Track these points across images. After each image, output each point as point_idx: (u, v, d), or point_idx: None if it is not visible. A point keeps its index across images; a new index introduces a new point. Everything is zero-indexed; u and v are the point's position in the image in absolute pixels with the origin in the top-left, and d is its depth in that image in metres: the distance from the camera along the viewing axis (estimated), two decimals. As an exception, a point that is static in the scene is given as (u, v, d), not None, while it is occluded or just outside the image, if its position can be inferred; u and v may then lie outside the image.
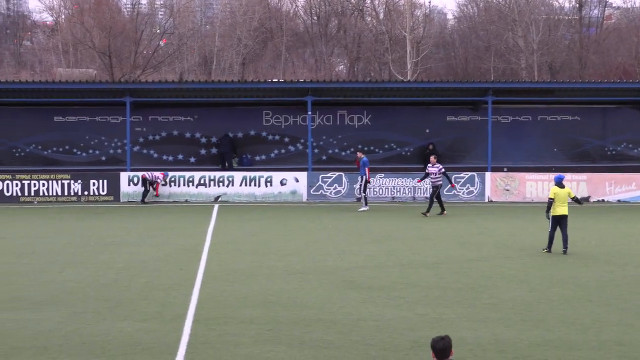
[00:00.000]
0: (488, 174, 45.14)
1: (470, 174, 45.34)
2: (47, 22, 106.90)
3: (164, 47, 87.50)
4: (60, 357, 16.30)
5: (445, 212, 38.61)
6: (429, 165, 39.86)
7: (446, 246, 30.04)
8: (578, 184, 45.01)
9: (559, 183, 28.81)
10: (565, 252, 28.35)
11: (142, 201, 43.49)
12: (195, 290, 22.36)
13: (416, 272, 24.83)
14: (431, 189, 39.66)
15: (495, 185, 44.93)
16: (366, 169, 41.23)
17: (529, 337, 17.89)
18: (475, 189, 44.91)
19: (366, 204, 41.09)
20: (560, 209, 28.58)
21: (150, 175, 43.72)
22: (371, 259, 26.97)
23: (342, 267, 25.61)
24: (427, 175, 39.84)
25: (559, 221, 28.58)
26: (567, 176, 44.78)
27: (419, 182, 41.88)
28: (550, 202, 28.43)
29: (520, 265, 26.44)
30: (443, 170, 39.08)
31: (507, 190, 44.82)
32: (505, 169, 46.80)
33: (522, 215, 38.31)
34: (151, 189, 43.54)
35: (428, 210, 38.44)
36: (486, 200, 44.82)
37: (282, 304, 20.85)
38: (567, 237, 28.51)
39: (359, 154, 41.84)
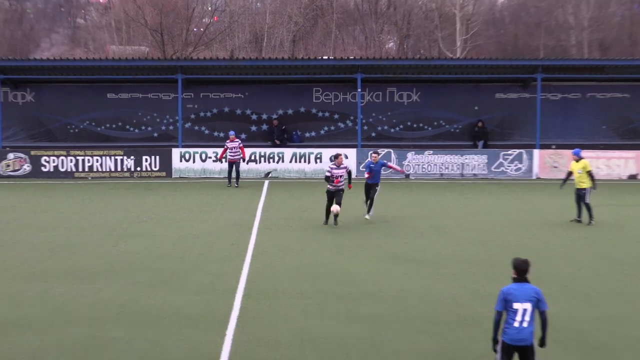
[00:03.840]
0: (536, 151, 45.04)
1: (518, 151, 45.25)
2: (100, 0, 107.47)
3: (215, 24, 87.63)
4: (115, 328, 16.61)
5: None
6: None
7: (494, 222, 30.10)
8: (626, 161, 44.80)
9: (574, 157, 30.24)
10: (590, 222, 29.61)
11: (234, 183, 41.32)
12: (245, 264, 22.60)
13: (464, 248, 24.96)
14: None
15: (543, 162, 44.83)
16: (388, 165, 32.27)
17: (574, 312, 17.99)
18: (524, 165, 44.85)
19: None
20: (576, 182, 30.01)
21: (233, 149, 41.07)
22: (419, 234, 27.12)
23: (391, 242, 25.77)
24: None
25: (577, 193, 30.15)
26: (615, 154, 44.81)
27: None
28: (568, 174, 30.56)
29: (568, 242, 26.48)
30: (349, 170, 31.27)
31: (555, 167, 44.69)
32: (553, 147, 46.67)
33: (570, 192, 38.19)
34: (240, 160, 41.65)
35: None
36: (534, 177, 44.75)
37: (331, 278, 21.03)
38: (587, 208, 29.84)
39: (375, 156, 31.12)
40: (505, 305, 12.44)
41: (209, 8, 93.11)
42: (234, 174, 40.78)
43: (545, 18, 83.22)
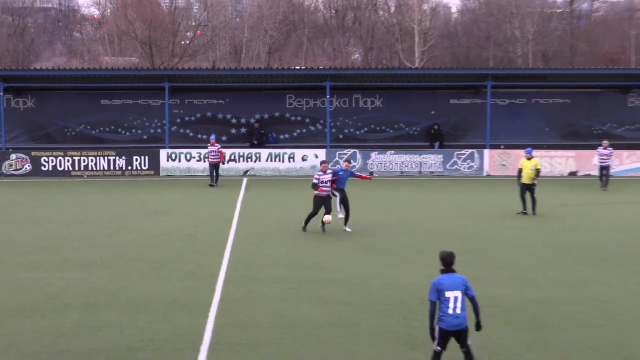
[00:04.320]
0: (487, 151, 45.11)
1: (470, 150, 45.32)
2: (95, 16, 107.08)
3: (198, 38, 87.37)
4: (107, 313, 16.48)
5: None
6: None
7: (449, 215, 30.08)
8: (567, 160, 44.94)
9: (526, 155, 30.41)
10: (534, 214, 29.76)
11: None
12: (226, 253, 22.50)
13: (424, 239, 24.92)
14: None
15: (493, 161, 44.90)
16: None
17: (520, 295, 17.99)
18: (475, 164, 44.89)
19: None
20: (526, 178, 30.04)
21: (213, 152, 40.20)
22: (383, 226, 27.05)
23: (359, 233, 25.73)
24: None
25: (527, 187, 30.05)
26: (558, 153, 44.98)
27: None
28: (519, 171, 30.36)
29: (514, 231, 26.52)
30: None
31: (504, 165, 44.77)
32: (502, 147, 46.73)
33: (517, 188, 38.25)
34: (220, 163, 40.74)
35: None
36: (485, 174, 44.81)
37: (305, 266, 20.97)
38: (533, 202, 29.97)
39: (346, 164, 27.73)
40: (438, 295, 12.31)
41: (193, 23, 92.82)
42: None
43: (495, 32, 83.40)
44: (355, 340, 14.79)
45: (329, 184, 26.19)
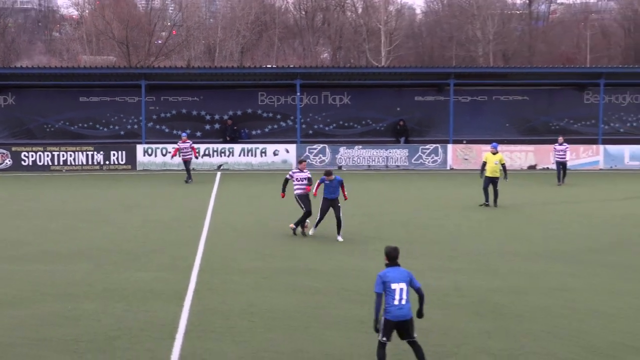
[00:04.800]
0: (450, 146, 45.16)
1: (434, 145, 45.37)
2: (73, 16, 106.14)
3: (173, 37, 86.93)
4: (85, 302, 16.31)
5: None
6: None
7: (415, 207, 30.07)
8: (527, 154, 45.09)
9: (492, 150, 30.51)
10: (495, 206, 29.80)
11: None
12: (201, 245, 22.38)
13: (389, 229, 24.88)
14: None
15: (456, 155, 44.95)
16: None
17: (485, 284, 17.98)
18: (439, 158, 44.93)
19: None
20: (490, 171, 29.97)
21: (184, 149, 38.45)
22: (351, 218, 26.98)
23: (327, 225, 25.63)
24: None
25: (491, 180, 30.02)
26: (517, 147, 45.17)
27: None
28: (483, 164, 30.21)
29: (477, 223, 26.54)
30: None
31: (466, 159, 44.84)
32: (464, 142, 46.78)
33: (479, 180, 38.33)
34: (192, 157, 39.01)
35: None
36: (448, 168, 44.87)
37: (277, 256, 20.90)
38: (495, 195, 29.99)
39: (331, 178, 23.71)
40: (384, 287, 12.23)
41: (169, 23, 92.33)
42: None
43: (457, 32, 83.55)
44: (326, 329, 14.72)
45: (304, 183, 24.16)
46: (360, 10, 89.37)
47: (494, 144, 31.38)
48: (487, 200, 30.07)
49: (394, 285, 12.18)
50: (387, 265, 12.49)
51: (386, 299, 12.19)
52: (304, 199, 24.11)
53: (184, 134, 39.43)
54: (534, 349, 13.66)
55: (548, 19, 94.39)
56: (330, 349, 13.64)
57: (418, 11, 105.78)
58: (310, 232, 23.95)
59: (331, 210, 23.51)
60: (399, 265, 12.49)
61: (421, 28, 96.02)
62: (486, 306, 16.17)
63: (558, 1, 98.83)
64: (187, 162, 38.36)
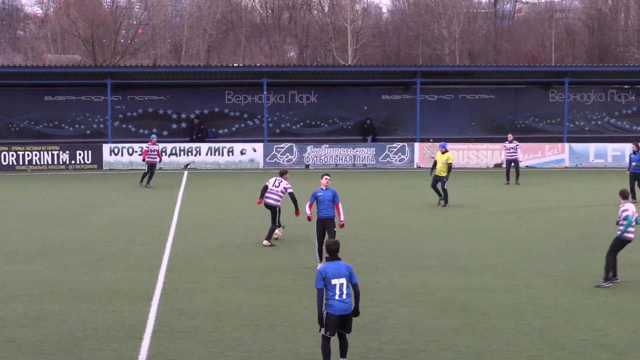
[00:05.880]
0: (417, 144, 45.28)
1: (402, 144, 45.48)
2: (38, 14, 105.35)
3: (139, 36, 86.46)
4: (51, 303, 16.21)
5: None
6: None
7: (382, 205, 30.14)
8: (492, 152, 45.31)
9: (441, 149, 30.83)
10: (444, 205, 29.79)
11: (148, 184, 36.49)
12: (168, 244, 22.31)
13: (357, 228, 24.89)
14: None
15: (422, 153, 45.08)
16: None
17: (452, 282, 18.06)
18: (406, 156, 45.05)
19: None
20: (438, 170, 30.17)
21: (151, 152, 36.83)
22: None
23: (294, 224, 25.60)
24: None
25: (438, 179, 30.18)
26: (483, 146, 45.40)
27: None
28: (434, 163, 30.48)
29: (445, 221, 26.65)
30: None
31: (433, 157, 44.79)
32: (431, 140, 46.90)
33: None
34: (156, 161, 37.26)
35: None
36: (415, 166, 44.99)
37: (243, 256, 20.89)
38: (443, 194, 30.01)
39: (327, 179, 20.20)
40: (324, 283, 12.30)
41: (134, 22, 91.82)
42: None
43: (423, 31, 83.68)
44: (294, 327, 14.72)
45: (279, 195, 22.66)
46: (326, 9, 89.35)
47: (442, 143, 31.65)
48: (441, 197, 30.31)
49: (334, 281, 12.27)
50: (327, 259, 12.54)
51: (327, 294, 12.30)
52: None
53: (153, 136, 38.22)
54: (501, 346, 13.75)
55: (513, 17, 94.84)
56: (299, 348, 13.65)
57: (384, 10, 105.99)
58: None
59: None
60: (339, 259, 12.51)
61: (387, 27, 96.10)
62: (453, 304, 16.24)
63: (523, 0, 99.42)
64: (152, 166, 36.58)
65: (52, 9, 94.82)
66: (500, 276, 18.67)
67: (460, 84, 49.60)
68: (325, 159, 44.99)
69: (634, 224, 17.65)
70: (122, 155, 44.06)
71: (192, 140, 46.62)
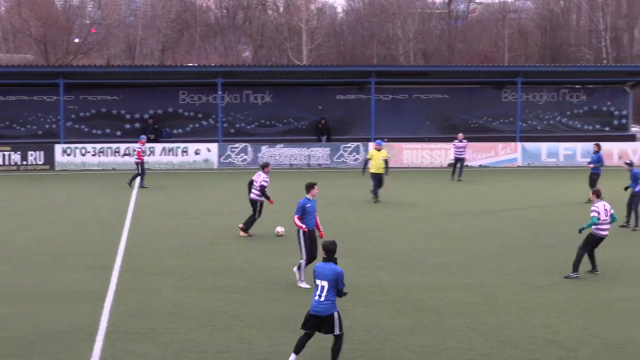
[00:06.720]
0: (371, 144, 45.31)
1: (356, 144, 45.61)
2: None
3: (93, 36, 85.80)
4: (3, 306, 16.06)
5: None
6: None
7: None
8: (447, 152, 45.58)
9: (376, 147, 31.57)
10: (377, 202, 30.68)
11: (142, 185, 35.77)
12: (122, 245, 22.17)
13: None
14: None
15: (378, 153, 45.16)
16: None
17: (406, 281, 18.14)
18: (361, 156, 45.14)
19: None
20: (376, 168, 30.92)
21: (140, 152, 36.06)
22: (274, 216, 26.92)
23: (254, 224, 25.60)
24: None
25: (378, 176, 30.95)
26: (437, 145, 45.66)
27: None
28: (367, 161, 31.36)
29: (399, 221, 26.76)
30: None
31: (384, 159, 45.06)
32: (385, 140, 47.01)
33: (400, 178, 38.60)
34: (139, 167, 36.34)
35: None
36: (370, 166, 44.99)
37: (198, 256, 20.82)
38: (381, 187, 31.00)
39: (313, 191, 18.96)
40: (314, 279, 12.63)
41: (88, 21, 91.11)
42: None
43: (378, 31, 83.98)
44: (249, 328, 14.71)
45: (258, 189, 23.43)
46: (281, 9, 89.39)
47: (379, 141, 32.38)
48: (376, 195, 30.94)
49: (317, 281, 12.50)
50: (324, 259, 12.71)
51: (314, 291, 12.57)
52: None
53: (143, 137, 37.55)
54: (454, 344, 13.85)
55: (467, 18, 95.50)
56: (254, 348, 13.64)
57: (339, 10, 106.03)
58: (306, 285, 17.44)
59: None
60: (333, 261, 12.67)
61: (342, 27, 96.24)
62: (408, 303, 16.33)
63: (477, 0, 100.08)
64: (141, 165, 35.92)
65: (3, 8, 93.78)
66: (454, 275, 18.80)
67: (414, 83, 49.79)
68: (280, 158, 44.98)
69: (608, 220, 18.49)
70: (74, 155, 43.70)
71: (147, 140, 46.26)
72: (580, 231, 18.70)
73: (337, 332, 12.47)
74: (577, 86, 51.21)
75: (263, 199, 23.64)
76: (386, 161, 31.18)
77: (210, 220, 26.32)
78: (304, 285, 17.48)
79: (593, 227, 18.43)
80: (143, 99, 47.96)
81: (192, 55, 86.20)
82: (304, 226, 17.84)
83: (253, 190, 23.69)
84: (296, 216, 18.02)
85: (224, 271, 19.06)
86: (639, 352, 13.69)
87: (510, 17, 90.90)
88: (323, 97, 49.38)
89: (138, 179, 35.63)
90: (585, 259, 18.67)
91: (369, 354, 13.20)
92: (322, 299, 12.36)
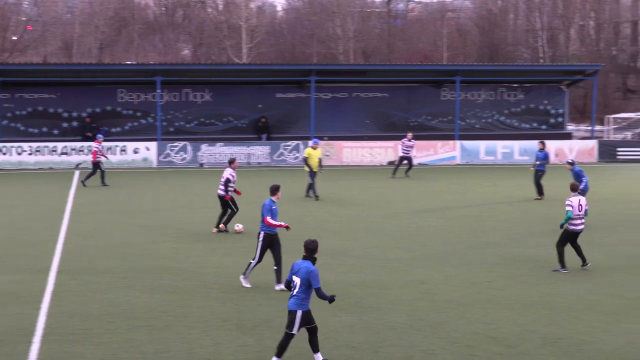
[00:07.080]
0: (311, 142, 45.35)
1: (296, 142, 45.59)
2: None
3: (29, 33, 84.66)
4: (-63, 307, 15.78)
5: None
6: None
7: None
8: (386, 150, 45.80)
9: (313, 145, 32.37)
10: (315, 198, 31.11)
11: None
12: (59, 246, 21.92)
13: (251, 226, 24.80)
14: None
15: (318, 151, 45.21)
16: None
17: (346, 279, 18.18)
18: (300, 154, 45.08)
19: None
20: (314, 166, 31.66)
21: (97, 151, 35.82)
22: (212, 214, 26.79)
23: (188, 223, 25.48)
24: None
25: (314, 175, 31.58)
26: (377, 144, 45.87)
27: None
28: (306, 159, 31.85)
29: (339, 219, 26.80)
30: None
31: (327, 155, 45.12)
32: (325, 138, 47.14)
33: (340, 176, 38.69)
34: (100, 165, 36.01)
35: None
36: (310, 164, 45.10)
37: (137, 256, 20.67)
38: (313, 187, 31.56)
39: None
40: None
41: (24, 18, 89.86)
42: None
43: (318, 30, 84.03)
44: (189, 327, 14.64)
45: (223, 184, 23.87)
46: (221, 7, 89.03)
47: (315, 139, 33.19)
48: (315, 192, 31.37)
49: (293, 277, 12.82)
50: (303, 257, 12.97)
51: None
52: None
53: (99, 136, 36.99)
54: (394, 342, 13.90)
55: (406, 17, 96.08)
56: (194, 348, 13.58)
57: (279, 8, 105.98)
58: (247, 285, 17.51)
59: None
60: (311, 259, 12.92)
61: (282, 25, 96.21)
62: (348, 300, 16.36)
63: (416, 0, 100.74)
64: (98, 164, 35.64)
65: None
66: (395, 272, 18.89)
67: (354, 82, 49.91)
68: (220, 157, 44.76)
69: (582, 215, 19.06)
70: (10, 155, 43.06)
71: (84, 139, 45.75)
72: (561, 226, 19.17)
73: (292, 330, 12.63)
74: (515, 85, 51.76)
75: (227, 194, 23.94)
76: (320, 159, 32.03)
77: (149, 220, 26.11)
78: (245, 283, 17.54)
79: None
80: (81, 97, 47.36)
81: (131, 53, 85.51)
82: (283, 224, 17.61)
83: (220, 186, 24.08)
84: (267, 217, 17.51)
85: (163, 270, 18.94)
86: (574, 346, 13.88)
87: (449, 17, 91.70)
88: (263, 96, 49.25)
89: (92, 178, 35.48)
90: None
91: (309, 351, 13.18)
92: (294, 293, 12.67)
